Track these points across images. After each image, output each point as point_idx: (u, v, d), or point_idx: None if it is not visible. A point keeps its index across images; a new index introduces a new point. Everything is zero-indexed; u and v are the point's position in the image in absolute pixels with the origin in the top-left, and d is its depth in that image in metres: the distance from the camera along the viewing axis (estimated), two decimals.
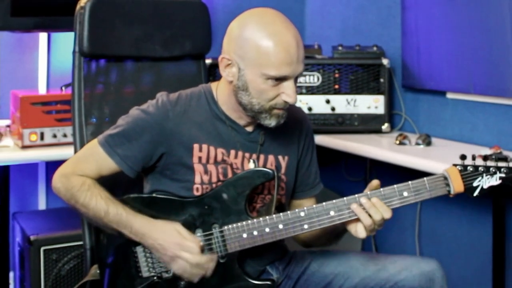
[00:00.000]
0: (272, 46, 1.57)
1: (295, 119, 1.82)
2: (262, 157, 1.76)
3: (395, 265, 1.72)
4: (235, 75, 1.64)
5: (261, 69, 1.59)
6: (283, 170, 1.79)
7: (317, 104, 2.68)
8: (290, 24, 1.63)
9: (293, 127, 1.82)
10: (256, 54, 1.59)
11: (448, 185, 1.60)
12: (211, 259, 1.65)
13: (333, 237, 1.77)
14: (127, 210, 1.66)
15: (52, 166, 1.77)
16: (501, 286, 2.27)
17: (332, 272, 1.78)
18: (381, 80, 2.68)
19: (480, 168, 1.60)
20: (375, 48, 2.74)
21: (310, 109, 2.67)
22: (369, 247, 3.01)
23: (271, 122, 1.67)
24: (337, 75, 2.69)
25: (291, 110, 1.75)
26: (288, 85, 1.61)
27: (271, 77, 1.59)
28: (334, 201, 1.61)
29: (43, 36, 2.74)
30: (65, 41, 2.75)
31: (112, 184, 1.74)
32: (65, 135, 2.37)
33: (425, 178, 1.60)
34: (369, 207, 1.58)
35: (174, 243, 1.63)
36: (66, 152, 2.21)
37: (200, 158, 1.70)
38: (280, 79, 1.60)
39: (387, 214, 1.58)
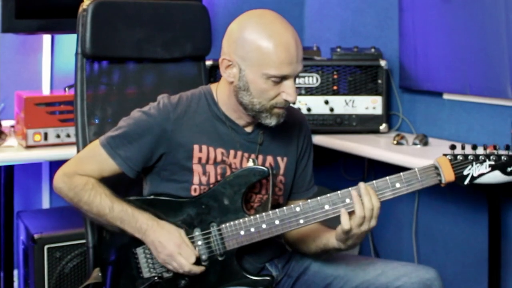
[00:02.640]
0: (272, 47, 1.60)
1: (294, 120, 1.84)
2: (260, 157, 1.78)
3: (394, 271, 1.73)
4: (236, 76, 1.66)
5: (262, 69, 1.61)
6: (281, 171, 1.81)
7: (316, 105, 2.70)
8: (288, 24, 1.65)
9: (292, 128, 1.84)
10: (257, 54, 1.61)
11: (439, 174, 1.61)
12: (201, 271, 1.67)
13: (323, 251, 1.76)
14: (132, 207, 1.69)
15: (56, 165, 1.79)
16: (497, 284, 2.27)
17: (332, 274, 1.79)
18: (379, 81, 2.69)
19: (469, 157, 1.61)
20: (373, 50, 2.76)
21: (309, 109, 2.69)
22: (367, 245, 3.03)
23: (272, 121, 1.69)
24: (335, 76, 2.71)
25: (290, 111, 1.77)
26: (288, 84, 1.64)
27: (272, 76, 1.61)
28: (328, 195, 1.62)
29: (46, 38, 2.75)
30: (68, 43, 2.76)
31: (114, 185, 1.76)
32: (68, 135, 2.38)
33: (416, 169, 1.61)
34: (364, 194, 1.58)
35: (174, 243, 1.65)
36: (69, 152, 2.23)
37: (200, 159, 1.72)
38: (280, 79, 1.63)
39: (376, 203, 1.58)
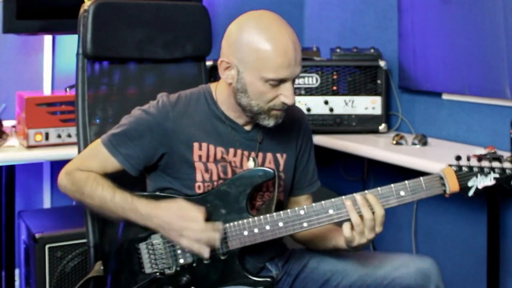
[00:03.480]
0: (270, 50, 1.60)
1: (293, 117, 1.84)
2: (260, 155, 1.78)
3: (392, 262, 1.74)
4: (234, 78, 1.67)
5: (260, 72, 1.61)
6: (281, 168, 1.81)
7: (315, 105, 2.71)
8: (287, 26, 1.65)
9: (291, 126, 1.84)
10: (255, 57, 1.61)
11: (444, 184, 1.62)
12: (216, 228, 1.64)
13: (333, 249, 1.78)
14: (132, 196, 1.68)
15: (57, 165, 1.80)
16: (495, 283, 2.27)
17: (330, 269, 1.80)
18: (378, 81, 2.71)
19: (474, 169, 1.62)
20: (372, 50, 2.77)
21: (309, 110, 2.70)
22: (367, 246, 3.03)
23: (270, 123, 1.69)
24: (335, 77, 2.72)
25: (290, 109, 1.76)
26: (286, 87, 1.64)
27: (270, 80, 1.61)
28: (332, 199, 1.63)
29: (48, 38, 2.76)
30: (70, 43, 2.77)
31: (117, 183, 1.75)
32: (69, 135, 2.39)
33: (421, 178, 1.62)
34: (362, 205, 1.59)
35: (178, 216, 1.64)
36: (70, 152, 2.24)
37: (200, 156, 1.73)
38: (278, 82, 1.63)
39: (380, 211, 1.59)
